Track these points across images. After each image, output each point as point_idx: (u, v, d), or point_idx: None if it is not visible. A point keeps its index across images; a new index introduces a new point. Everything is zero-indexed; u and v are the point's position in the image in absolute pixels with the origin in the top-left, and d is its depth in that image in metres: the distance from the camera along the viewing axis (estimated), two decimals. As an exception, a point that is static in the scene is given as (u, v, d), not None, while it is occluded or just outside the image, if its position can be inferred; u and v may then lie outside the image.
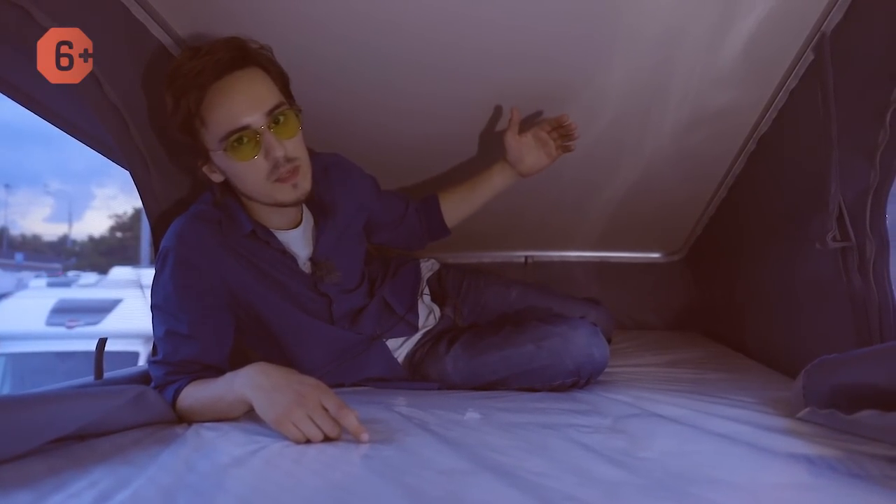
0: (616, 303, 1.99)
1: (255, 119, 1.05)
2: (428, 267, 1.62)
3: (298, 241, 1.25)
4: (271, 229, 1.21)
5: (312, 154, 1.23)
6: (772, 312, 1.61)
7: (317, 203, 1.27)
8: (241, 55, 1.06)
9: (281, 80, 1.12)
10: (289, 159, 1.08)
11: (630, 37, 1.26)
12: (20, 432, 0.72)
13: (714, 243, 2.07)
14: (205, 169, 1.13)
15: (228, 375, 0.98)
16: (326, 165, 1.31)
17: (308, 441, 0.85)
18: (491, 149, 1.71)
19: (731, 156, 1.68)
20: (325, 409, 0.87)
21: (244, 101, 1.04)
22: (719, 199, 1.89)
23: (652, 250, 2.34)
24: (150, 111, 1.20)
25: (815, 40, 1.23)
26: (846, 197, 1.16)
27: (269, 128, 1.05)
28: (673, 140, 1.59)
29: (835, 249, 1.18)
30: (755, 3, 1.17)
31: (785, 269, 1.48)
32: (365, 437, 0.85)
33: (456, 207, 1.54)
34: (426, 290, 1.54)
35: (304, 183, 1.13)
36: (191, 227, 1.13)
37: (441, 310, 1.50)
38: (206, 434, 0.89)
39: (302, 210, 1.26)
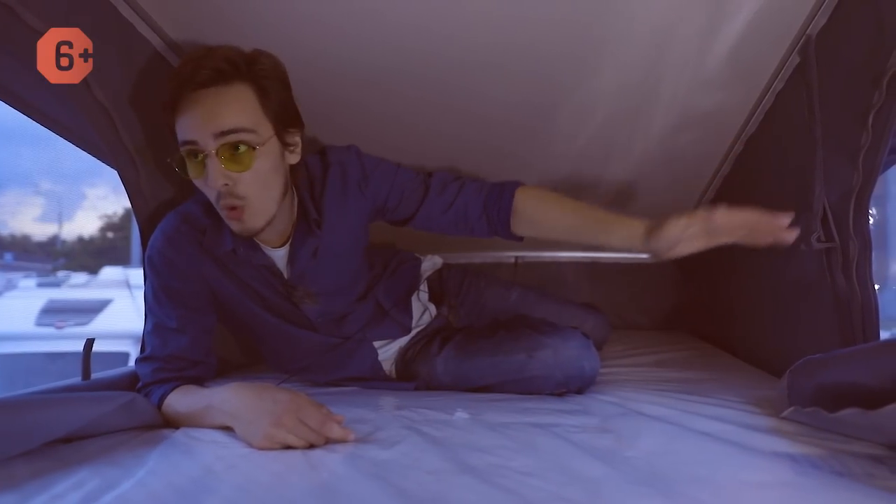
0: (605, 303, 2.00)
1: (204, 139, 0.97)
2: (430, 265, 1.59)
3: (284, 260, 1.20)
4: (261, 243, 1.17)
5: (324, 152, 1.20)
6: (758, 312, 1.62)
7: (308, 223, 1.16)
8: (229, 71, 0.99)
9: (279, 105, 1.04)
10: (232, 194, 1.00)
11: (621, 38, 1.27)
12: (6, 437, 0.71)
13: (702, 244, 2.08)
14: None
15: (207, 395, 0.97)
16: (328, 167, 1.19)
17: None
18: (477, 148, 1.71)
19: (718, 157, 1.70)
20: (306, 425, 0.86)
21: (199, 118, 0.97)
22: (707, 201, 1.91)
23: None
24: (139, 111, 1.19)
25: (800, 43, 1.24)
26: (830, 198, 1.17)
27: (218, 154, 0.97)
28: (662, 141, 1.60)
29: (819, 250, 1.19)
30: (742, 6, 1.18)
31: (771, 270, 1.50)
32: (351, 437, 0.86)
33: (536, 225, 1.20)
34: (424, 289, 1.52)
35: (252, 222, 1.04)
36: (175, 229, 1.12)
37: (437, 308, 1.49)
38: (194, 436, 0.89)
39: (294, 225, 1.18)
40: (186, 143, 0.99)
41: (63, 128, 1.23)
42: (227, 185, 0.99)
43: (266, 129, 1.02)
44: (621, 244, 1.11)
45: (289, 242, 1.18)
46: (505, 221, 1.21)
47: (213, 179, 0.97)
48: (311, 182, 1.19)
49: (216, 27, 1.23)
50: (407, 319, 1.41)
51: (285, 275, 1.20)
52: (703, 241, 1.06)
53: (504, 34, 1.26)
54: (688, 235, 1.04)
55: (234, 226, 1.05)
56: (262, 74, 1.02)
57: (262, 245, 1.17)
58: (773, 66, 1.33)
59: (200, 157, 0.98)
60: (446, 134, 1.62)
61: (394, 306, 1.39)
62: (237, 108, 0.99)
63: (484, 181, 1.26)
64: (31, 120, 1.15)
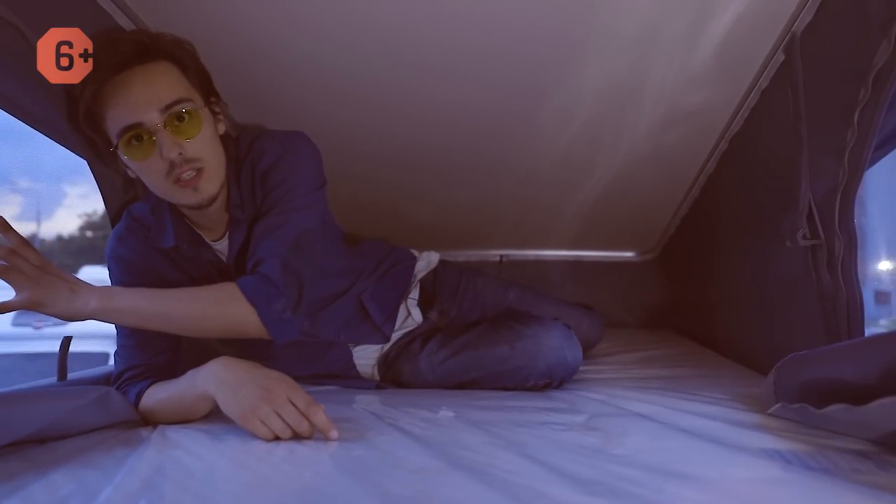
0: (590, 301, 2.00)
1: (151, 117, 0.96)
2: (424, 264, 1.53)
3: (227, 250, 1.16)
4: (206, 238, 1.14)
5: (265, 133, 1.15)
6: (743, 310, 1.63)
7: (232, 210, 1.11)
8: (145, 48, 0.99)
9: (197, 75, 1.05)
10: (188, 160, 0.99)
11: (606, 36, 1.27)
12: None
13: (687, 242, 2.09)
14: (118, 165, 1.04)
15: (190, 372, 0.96)
16: (251, 150, 1.13)
17: (276, 438, 0.84)
18: (460, 161, 1.70)
19: (703, 155, 1.70)
20: (293, 405, 0.85)
21: (139, 97, 0.96)
22: (692, 199, 1.91)
23: (626, 249, 2.36)
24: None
25: (785, 41, 1.24)
26: (815, 195, 1.17)
27: (166, 126, 0.97)
28: (647, 140, 1.61)
29: (804, 247, 1.20)
30: (728, 4, 1.18)
31: (756, 267, 1.50)
32: (334, 433, 0.84)
33: None
34: (413, 295, 1.45)
35: (208, 187, 1.02)
36: (125, 227, 1.14)
37: (426, 313, 1.44)
38: (172, 436, 0.87)
39: (228, 210, 1.12)
40: (130, 127, 0.96)
41: (38, 121, 1.20)
42: (180, 154, 0.98)
43: (197, 98, 1.03)
44: None
45: (227, 232, 1.15)
46: None
47: (168, 150, 0.96)
48: (237, 167, 1.13)
49: (193, 17, 1.21)
50: (389, 328, 1.37)
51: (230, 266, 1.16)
52: None
53: (491, 30, 1.25)
54: None
55: (191, 197, 1.02)
56: (173, 48, 1.02)
57: (205, 238, 1.15)
58: (759, 64, 1.34)
59: (146, 137, 0.97)
60: (427, 143, 1.62)
61: (380, 313, 1.36)
62: (169, 81, 1.00)
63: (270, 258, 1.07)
64: (7, 117, 1.12)
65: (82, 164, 1.22)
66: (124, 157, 0.99)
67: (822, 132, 1.14)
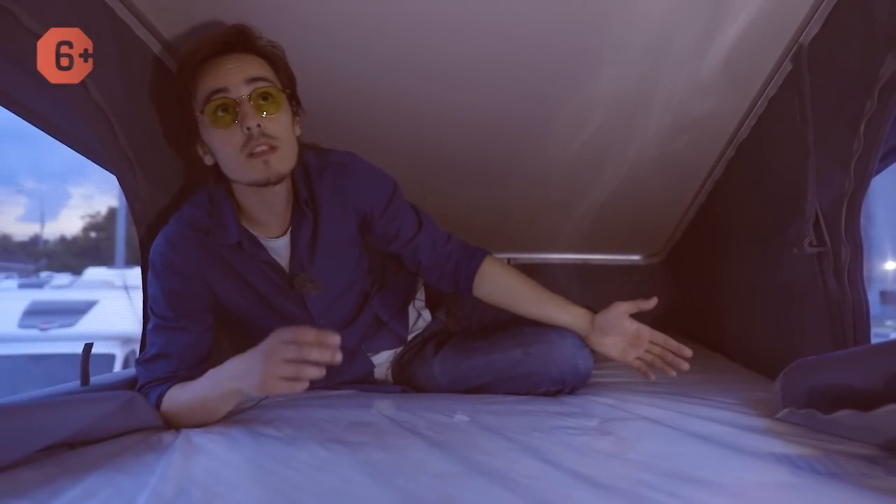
0: (597, 305, 2.00)
1: (236, 85, 1.05)
2: None
3: (285, 251, 1.22)
4: (260, 237, 1.19)
5: (323, 152, 1.24)
6: (750, 315, 1.64)
7: (300, 206, 1.20)
8: (242, 41, 1.09)
9: (285, 78, 1.14)
10: (265, 135, 1.06)
11: (618, 46, 1.29)
12: (12, 440, 0.71)
13: (693, 247, 2.11)
14: (198, 149, 1.13)
15: (210, 372, 1.01)
16: (328, 164, 1.23)
17: (297, 380, 0.88)
18: (475, 161, 1.72)
19: (710, 161, 1.72)
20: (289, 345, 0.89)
21: (229, 70, 1.06)
22: (699, 204, 1.93)
23: (632, 253, 2.38)
24: (138, 115, 1.19)
25: (793, 51, 1.26)
26: (822, 203, 1.19)
27: (250, 99, 1.05)
28: (656, 145, 1.62)
29: (811, 254, 1.21)
30: (737, 15, 1.20)
31: (763, 273, 1.52)
32: (336, 339, 0.87)
33: (499, 288, 1.32)
34: (420, 296, 1.51)
35: (279, 165, 1.08)
36: (178, 233, 1.15)
37: (434, 313, 1.49)
38: (197, 440, 0.89)
39: (290, 216, 1.21)
40: (217, 91, 1.05)
41: (58, 130, 1.22)
42: (258, 125, 1.05)
43: (278, 84, 1.11)
44: (566, 322, 1.29)
45: (289, 231, 1.21)
46: (470, 280, 1.31)
47: (249, 119, 1.04)
48: (307, 172, 1.22)
49: (209, 22, 1.23)
50: (403, 330, 1.41)
51: (286, 268, 1.22)
52: (623, 346, 1.27)
53: (506, 40, 1.28)
54: (619, 334, 1.27)
55: (260, 170, 1.07)
56: (268, 49, 1.13)
57: (263, 239, 1.19)
58: (766, 73, 1.35)
59: (231, 109, 1.05)
60: (444, 138, 1.63)
61: (391, 317, 1.39)
62: (259, 66, 1.10)
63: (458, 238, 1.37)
64: (13, 118, 1.14)
65: (86, 165, 1.25)
66: (208, 129, 1.07)
67: (829, 141, 1.16)
